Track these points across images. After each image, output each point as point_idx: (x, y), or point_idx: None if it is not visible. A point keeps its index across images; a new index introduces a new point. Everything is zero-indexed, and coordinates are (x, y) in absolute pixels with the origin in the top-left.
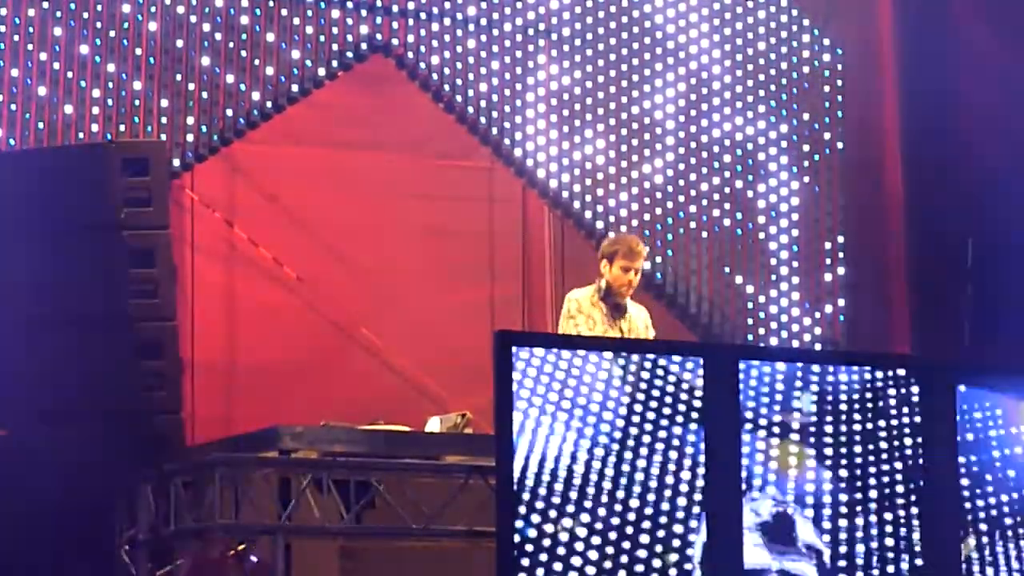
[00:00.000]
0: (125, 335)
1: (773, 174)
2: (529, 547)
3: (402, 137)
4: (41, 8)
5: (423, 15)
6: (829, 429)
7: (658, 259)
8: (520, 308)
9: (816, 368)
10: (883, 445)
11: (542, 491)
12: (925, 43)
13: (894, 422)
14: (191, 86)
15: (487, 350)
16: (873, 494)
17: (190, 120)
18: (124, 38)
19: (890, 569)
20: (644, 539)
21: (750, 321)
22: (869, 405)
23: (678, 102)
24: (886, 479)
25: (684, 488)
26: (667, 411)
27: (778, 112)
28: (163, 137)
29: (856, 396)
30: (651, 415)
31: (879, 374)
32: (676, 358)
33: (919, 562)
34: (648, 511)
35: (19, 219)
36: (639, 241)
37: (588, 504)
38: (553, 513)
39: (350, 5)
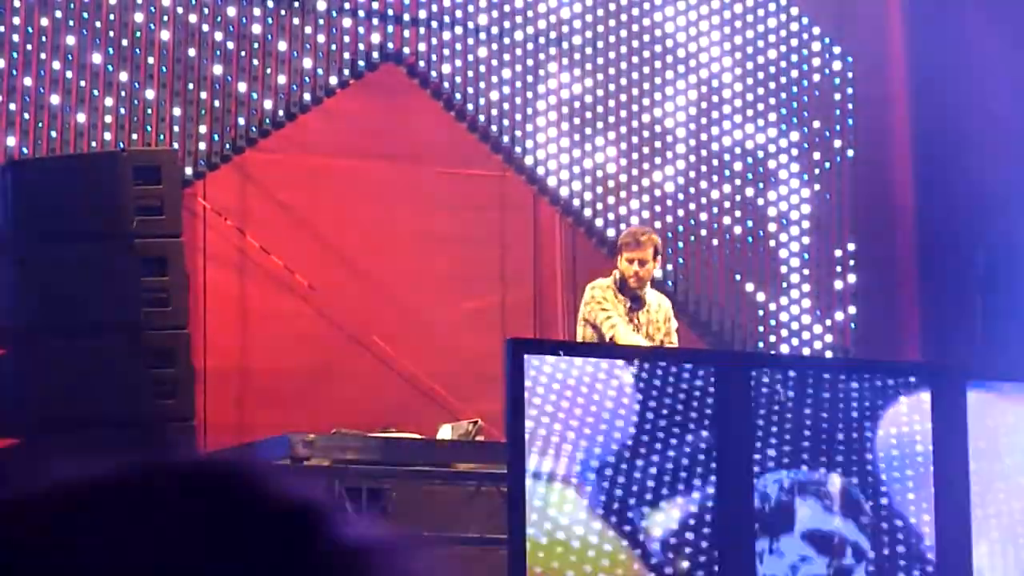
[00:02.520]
0: (137, 343)
1: (784, 182)
2: (541, 554)
3: (413, 145)
4: (54, 17)
5: (435, 24)
6: (840, 436)
7: (669, 266)
8: (531, 315)
9: (827, 375)
10: (894, 452)
11: (554, 498)
12: (936, 51)
13: (905, 429)
14: (203, 95)
15: (499, 357)
16: (884, 501)
17: (202, 128)
18: (136, 47)
19: None
20: (655, 546)
21: (761, 328)
22: (880, 412)
23: (689, 110)
24: (897, 486)
25: (696, 495)
26: (678, 418)
27: (789, 120)
28: (175, 145)
29: (867, 403)
30: (662, 422)
31: (890, 381)
32: (687, 365)
33: (930, 569)
34: (660, 518)
35: (31, 227)
36: (647, 232)
37: (600, 511)
38: (565, 520)
39: (362, 14)
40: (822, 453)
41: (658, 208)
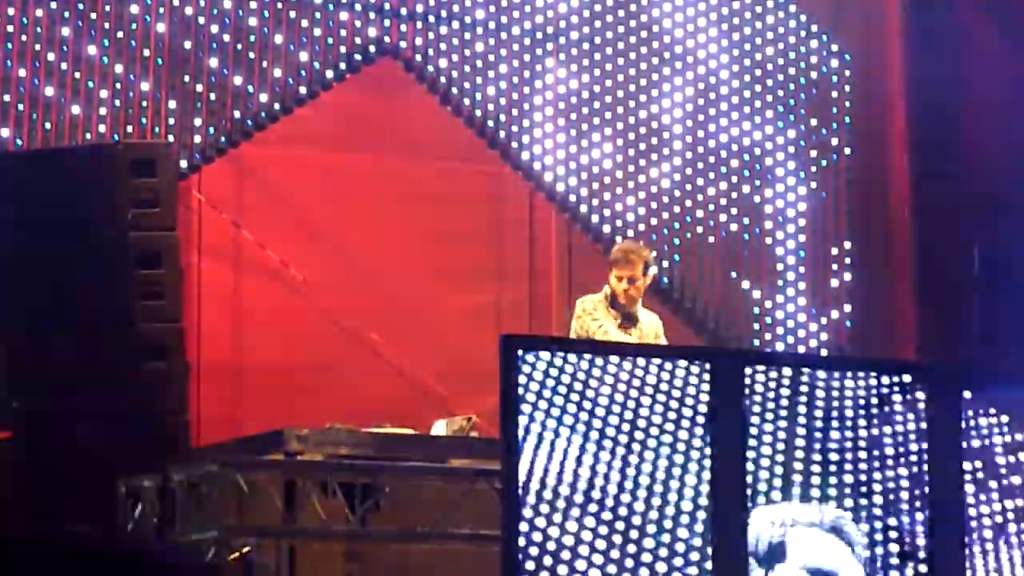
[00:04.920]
0: (131, 337)
1: (780, 179)
2: (534, 551)
3: (409, 140)
4: (49, 8)
5: (431, 18)
6: (835, 435)
7: (665, 264)
8: (526, 312)
9: (822, 374)
10: (888, 451)
11: (547, 495)
12: (933, 49)
13: (899, 428)
14: (199, 87)
15: (493, 353)
16: (878, 500)
17: (198, 121)
18: (132, 39)
19: (894, 575)
20: (649, 543)
21: (757, 326)
22: (875, 411)
23: (686, 107)
24: (891, 485)
25: (689, 493)
26: (673, 415)
27: (785, 117)
28: (171, 138)
29: (862, 402)
30: (657, 419)
31: (885, 380)
32: (683, 363)
33: (923, 568)
34: (653, 515)
35: (26, 220)
36: (636, 248)
37: (593, 508)
38: (558, 517)
39: (358, 8)
40: (816, 452)
41: (654, 205)
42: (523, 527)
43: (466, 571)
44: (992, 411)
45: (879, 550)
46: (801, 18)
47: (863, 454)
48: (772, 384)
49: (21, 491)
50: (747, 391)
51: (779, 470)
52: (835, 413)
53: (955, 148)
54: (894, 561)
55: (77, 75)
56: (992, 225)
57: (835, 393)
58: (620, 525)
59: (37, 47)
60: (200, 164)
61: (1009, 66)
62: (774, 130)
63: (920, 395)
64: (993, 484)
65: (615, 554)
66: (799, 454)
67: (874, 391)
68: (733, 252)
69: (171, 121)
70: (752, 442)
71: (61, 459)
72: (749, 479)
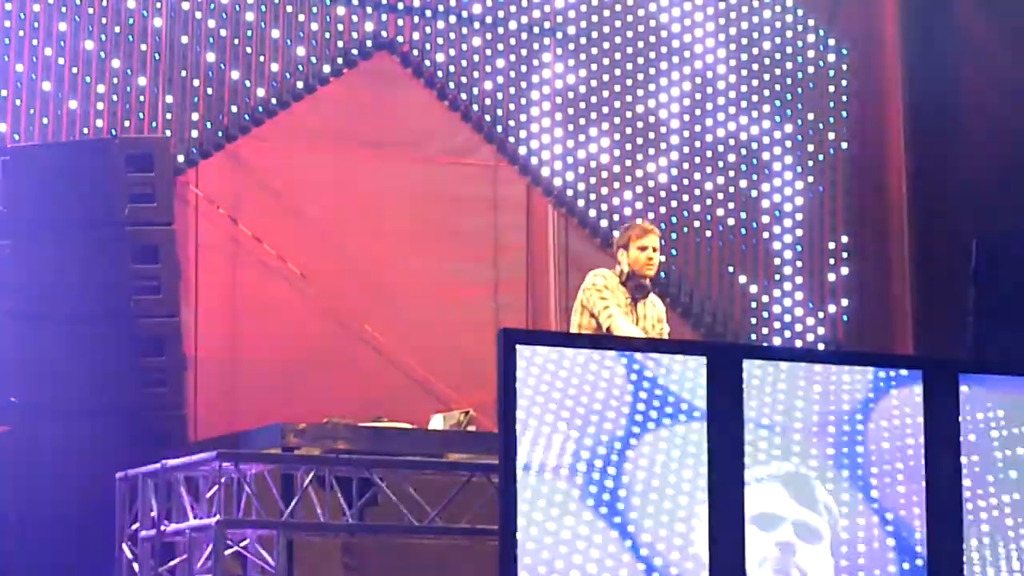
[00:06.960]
0: (128, 331)
1: (777, 174)
2: (531, 545)
3: (406, 135)
4: (46, 3)
5: (428, 13)
6: (832, 429)
7: (662, 258)
8: (524, 305)
9: (819, 368)
10: (885, 445)
11: (545, 489)
12: (930, 44)
13: (896, 422)
14: (196, 82)
15: (491, 348)
16: (875, 494)
17: (195, 116)
18: (129, 34)
19: (892, 569)
20: (646, 538)
21: (753, 320)
22: (872, 405)
23: (683, 101)
24: (888, 479)
25: (687, 487)
26: (670, 410)
27: (783, 112)
28: (168, 133)
29: (859, 396)
30: (654, 414)
31: (882, 374)
32: (679, 357)
33: (920, 562)
34: (650, 509)
35: (23, 214)
36: (646, 221)
37: (591, 502)
38: (556, 511)
39: (355, 2)
40: (813, 445)
41: (651, 199)
42: (521, 521)
43: (464, 565)
44: (989, 405)
45: (876, 544)
46: (798, 12)
47: (860, 448)
48: (769, 378)
49: (19, 486)
50: (744, 385)
51: (776, 464)
52: (832, 407)
53: (952, 141)
54: (891, 555)
55: (74, 70)
56: (989, 218)
57: (832, 387)
58: (617, 519)
59: (34, 42)
60: (197, 159)
61: (1005, 59)
62: (771, 124)
63: (917, 389)
64: (990, 478)
65: (612, 548)
66: (796, 448)
67: (871, 385)
68: (730, 246)
69: (168, 116)
70: (749, 436)
71: (58, 453)
72: (746, 472)
